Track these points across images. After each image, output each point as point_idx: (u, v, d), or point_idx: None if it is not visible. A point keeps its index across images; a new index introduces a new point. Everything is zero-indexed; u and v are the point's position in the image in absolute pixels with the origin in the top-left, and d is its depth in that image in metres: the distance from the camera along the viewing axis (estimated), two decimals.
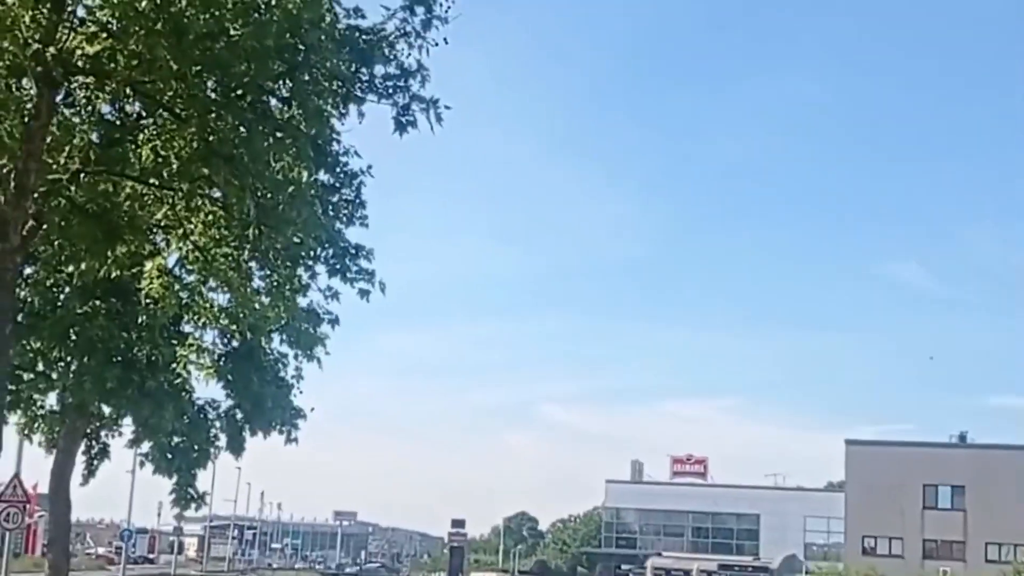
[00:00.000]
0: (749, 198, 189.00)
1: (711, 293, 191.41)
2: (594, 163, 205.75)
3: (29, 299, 17.67)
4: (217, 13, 11.03)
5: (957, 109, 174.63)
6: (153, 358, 17.86)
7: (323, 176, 14.01)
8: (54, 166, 12.74)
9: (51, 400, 20.52)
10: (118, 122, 13.16)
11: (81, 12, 11.83)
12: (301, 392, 16.91)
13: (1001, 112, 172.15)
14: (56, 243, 14.87)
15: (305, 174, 12.23)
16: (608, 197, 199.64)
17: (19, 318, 15.70)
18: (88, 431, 21.50)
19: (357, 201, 15.12)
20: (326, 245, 15.05)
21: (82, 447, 21.54)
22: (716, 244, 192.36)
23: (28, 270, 16.94)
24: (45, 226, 13.29)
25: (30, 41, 11.10)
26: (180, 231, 13.56)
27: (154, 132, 12.50)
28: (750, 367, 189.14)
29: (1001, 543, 67.26)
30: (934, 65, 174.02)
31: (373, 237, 15.07)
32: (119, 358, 18.00)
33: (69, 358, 18.46)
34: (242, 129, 12.01)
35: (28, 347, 17.81)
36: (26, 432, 21.04)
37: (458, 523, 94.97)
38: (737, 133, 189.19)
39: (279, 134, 12.02)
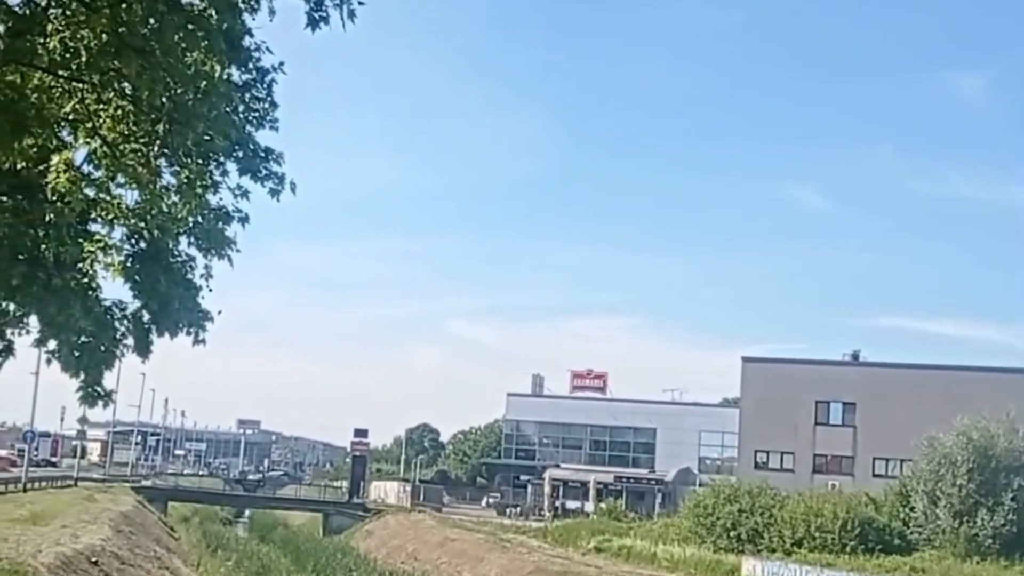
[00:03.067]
0: (653, 121, 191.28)
1: (616, 214, 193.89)
2: (501, 84, 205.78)
3: None
4: None
5: (863, 34, 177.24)
6: (60, 256, 17.65)
7: (235, 73, 13.93)
8: None
9: None
10: (26, 12, 12.94)
11: None
12: (211, 291, 16.87)
13: (907, 39, 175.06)
14: None
15: (218, 68, 12.19)
16: (515, 118, 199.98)
17: None
18: None
19: (268, 100, 15.05)
20: (236, 146, 14.99)
21: None
22: (621, 166, 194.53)
23: None
24: None
25: None
26: (89, 125, 13.41)
27: (63, 23, 12.32)
28: (652, 287, 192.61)
29: (888, 458, 69.18)
30: None
31: (282, 146, 15.10)
32: (24, 255, 17.76)
33: None
34: (153, 21, 11.90)
35: None
36: None
37: (361, 433, 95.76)
38: (643, 57, 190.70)
39: (191, 26, 11.93)
